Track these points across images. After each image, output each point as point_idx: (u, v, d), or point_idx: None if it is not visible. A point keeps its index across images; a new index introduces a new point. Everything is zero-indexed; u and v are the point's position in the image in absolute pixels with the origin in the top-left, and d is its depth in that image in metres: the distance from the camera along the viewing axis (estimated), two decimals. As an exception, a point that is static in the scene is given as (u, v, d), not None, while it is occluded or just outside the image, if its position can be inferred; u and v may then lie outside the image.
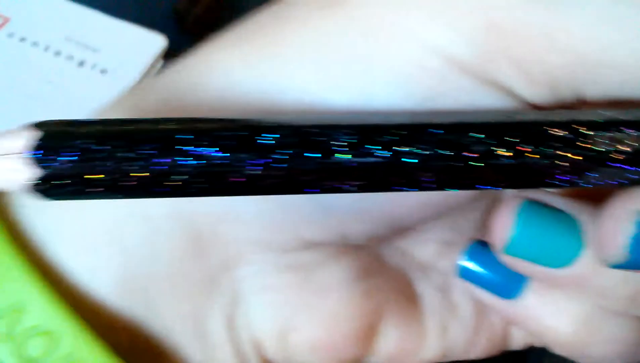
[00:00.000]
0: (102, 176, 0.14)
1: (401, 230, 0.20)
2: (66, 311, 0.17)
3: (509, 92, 0.17)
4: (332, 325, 0.20)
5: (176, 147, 0.14)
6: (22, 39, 0.40)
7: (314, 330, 0.20)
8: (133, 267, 0.18)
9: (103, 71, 0.39)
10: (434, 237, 0.22)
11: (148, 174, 0.14)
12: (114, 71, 0.39)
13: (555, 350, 0.21)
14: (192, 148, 0.14)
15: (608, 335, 0.20)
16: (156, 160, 0.14)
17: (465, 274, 0.21)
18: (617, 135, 0.16)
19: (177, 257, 0.19)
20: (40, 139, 0.14)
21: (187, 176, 0.14)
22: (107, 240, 0.18)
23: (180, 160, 0.14)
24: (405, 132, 0.15)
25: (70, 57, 0.40)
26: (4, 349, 0.17)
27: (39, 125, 0.14)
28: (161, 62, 0.41)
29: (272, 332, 0.20)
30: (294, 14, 0.18)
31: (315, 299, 0.20)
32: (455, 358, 0.23)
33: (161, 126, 0.14)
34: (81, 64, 0.40)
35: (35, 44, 0.40)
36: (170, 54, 0.41)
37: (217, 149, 0.14)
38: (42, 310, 0.17)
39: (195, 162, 0.14)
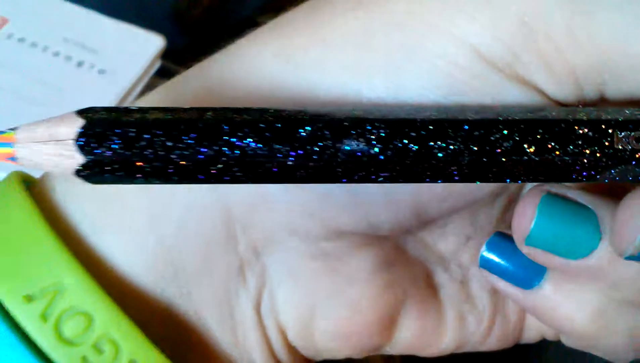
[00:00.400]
0: (144, 163, 0.15)
1: (426, 221, 0.21)
2: (102, 294, 0.18)
3: (535, 89, 0.18)
4: (355, 314, 0.21)
5: (216, 137, 0.15)
6: (21, 40, 0.40)
7: (337, 318, 0.21)
8: (167, 252, 0.19)
9: (101, 72, 0.40)
10: (455, 231, 0.22)
11: (188, 162, 0.15)
12: (112, 71, 0.40)
13: (569, 341, 0.22)
14: (230, 138, 0.15)
15: (623, 327, 0.20)
16: (197, 149, 0.15)
17: (486, 264, 0.22)
18: (639, 134, 0.16)
19: (210, 242, 0.19)
20: (87, 127, 0.15)
21: (224, 165, 0.15)
22: (143, 225, 0.19)
23: (220, 150, 0.15)
24: (435, 127, 0.16)
25: (68, 58, 0.40)
26: (40, 329, 0.17)
27: (86, 112, 0.15)
28: (159, 62, 0.41)
29: (296, 317, 0.21)
30: (331, 9, 0.19)
31: (340, 288, 0.21)
32: (469, 350, 0.23)
33: (202, 116, 0.15)
34: (80, 64, 0.40)
35: (34, 44, 0.40)
36: (170, 55, 0.42)
37: (254, 140, 0.15)
38: (78, 292, 0.18)
39: (233, 152, 0.15)
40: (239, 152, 0.15)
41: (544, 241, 0.19)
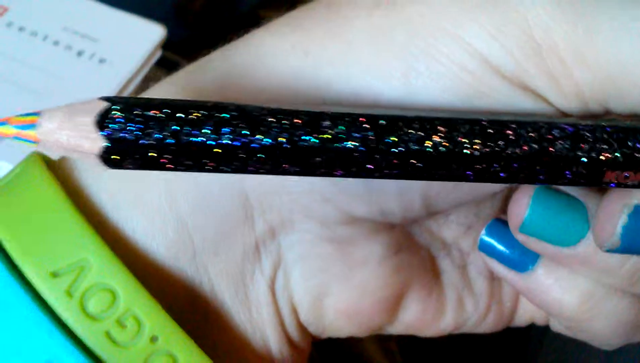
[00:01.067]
0: (163, 152, 0.15)
1: (434, 212, 0.22)
2: (125, 271, 0.18)
3: (542, 99, 0.19)
4: (363, 295, 0.22)
5: (233, 131, 0.15)
6: (21, 29, 0.40)
7: (346, 298, 0.22)
8: (185, 230, 0.20)
9: (101, 61, 0.40)
10: (458, 220, 0.24)
11: (206, 153, 0.15)
12: (113, 60, 0.40)
13: (558, 325, 0.23)
14: (247, 133, 0.15)
15: (610, 311, 0.21)
16: (216, 142, 0.15)
17: (485, 248, 0.23)
18: (626, 174, 0.18)
19: (227, 222, 0.20)
20: (108, 113, 0.15)
21: (242, 162, 0.16)
22: (162, 203, 0.20)
23: (239, 145, 0.15)
24: (446, 129, 0.16)
25: (68, 47, 0.40)
26: (65, 305, 0.18)
27: (106, 100, 0.15)
28: (160, 52, 0.41)
29: (308, 296, 0.22)
30: (349, 8, 0.19)
31: (351, 270, 0.22)
32: (465, 331, 0.25)
33: (225, 108, 0.15)
34: (80, 53, 0.40)
35: (33, 33, 0.40)
36: (170, 47, 0.41)
37: (273, 137, 0.15)
38: (102, 269, 0.18)
39: (252, 146, 0.15)
40: (256, 146, 0.15)
41: (537, 230, 0.21)
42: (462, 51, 0.18)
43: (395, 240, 0.22)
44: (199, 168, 0.15)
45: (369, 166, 0.16)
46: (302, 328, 0.22)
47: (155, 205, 0.19)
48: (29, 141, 0.15)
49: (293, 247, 0.21)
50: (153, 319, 0.18)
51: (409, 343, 0.25)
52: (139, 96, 0.16)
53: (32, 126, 0.15)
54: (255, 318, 0.21)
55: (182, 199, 0.20)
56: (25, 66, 0.39)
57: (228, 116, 0.16)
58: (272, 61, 0.19)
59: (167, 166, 0.15)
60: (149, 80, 0.40)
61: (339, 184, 0.20)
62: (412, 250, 0.23)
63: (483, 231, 0.23)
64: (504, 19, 0.18)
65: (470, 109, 0.19)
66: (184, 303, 0.20)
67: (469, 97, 0.18)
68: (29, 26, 0.40)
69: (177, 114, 0.15)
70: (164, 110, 0.15)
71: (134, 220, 0.19)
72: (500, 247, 0.22)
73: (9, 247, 0.18)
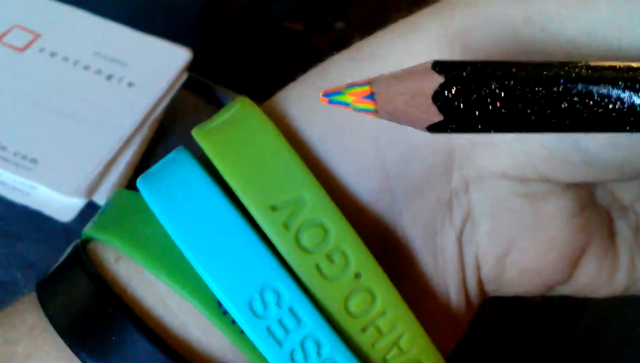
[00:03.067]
0: (491, 120, 0.15)
1: (633, 179, 0.21)
2: (336, 210, 0.19)
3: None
4: (548, 252, 0.22)
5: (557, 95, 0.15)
6: (53, 54, 0.42)
7: (531, 254, 0.22)
8: (388, 178, 0.20)
9: (130, 84, 0.40)
10: (637, 182, 0.23)
11: (530, 117, 0.15)
12: (141, 84, 0.40)
13: None
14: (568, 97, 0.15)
15: None
16: (542, 103, 0.15)
17: None
18: None
19: (426, 175, 0.21)
20: (445, 85, 0.15)
21: (557, 119, 0.15)
22: (371, 154, 0.20)
23: (559, 106, 0.15)
24: None
25: (98, 71, 0.41)
26: (281, 237, 0.19)
27: (435, 66, 0.15)
28: (186, 74, 0.42)
29: (493, 250, 0.22)
30: None
31: (540, 225, 0.22)
32: (633, 293, 0.25)
33: (541, 72, 0.15)
34: (109, 77, 0.41)
35: (65, 58, 0.41)
36: (196, 64, 0.42)
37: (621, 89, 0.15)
38: (316, 206, 0.19)
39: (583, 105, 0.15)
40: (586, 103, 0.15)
41: None
42: None
43: (581, 197, 0.22)
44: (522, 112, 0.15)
45: None
46: (480, 284, 0.23)
47: (364, 153, 0.20)
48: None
49: (485, 201, 0.21)
50: (359, 257, 0.19)
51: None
52: (462, 61, 0.16)
53: (368, 96, 0.15)
54: (441, 267, 0.21)
55: (388, 149, 0.20)
56: (57, 90, 0.40)
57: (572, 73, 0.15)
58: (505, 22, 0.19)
59: (489, 124, 0.15)
60: (176, 102, 0.41)
61: (549, 151, 0.20)
62: (594, 209, 0.23)
63: None
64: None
65: None
66: (378, 246, 0.20)
67: None
68: (60, 52, 0.42)
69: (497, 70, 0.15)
70: (490, 79, 0.15)
71: (343, 166, 0.20)
72: None
73: (231, 180, 0.19)
